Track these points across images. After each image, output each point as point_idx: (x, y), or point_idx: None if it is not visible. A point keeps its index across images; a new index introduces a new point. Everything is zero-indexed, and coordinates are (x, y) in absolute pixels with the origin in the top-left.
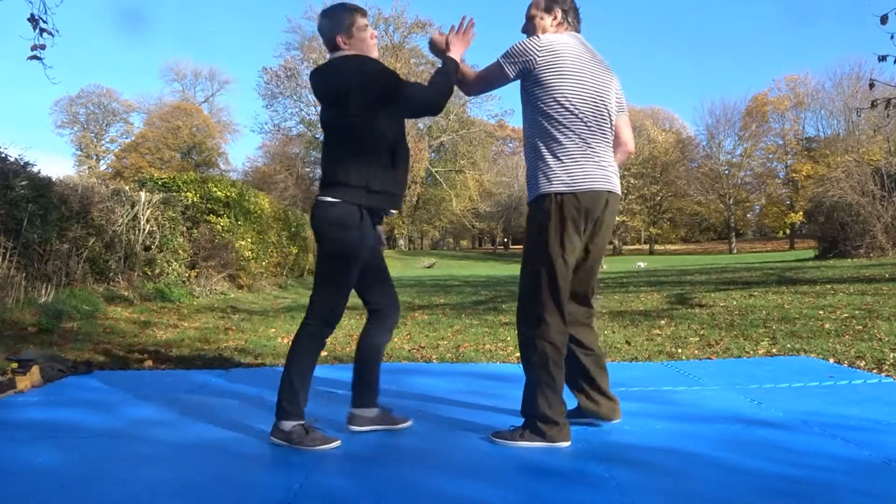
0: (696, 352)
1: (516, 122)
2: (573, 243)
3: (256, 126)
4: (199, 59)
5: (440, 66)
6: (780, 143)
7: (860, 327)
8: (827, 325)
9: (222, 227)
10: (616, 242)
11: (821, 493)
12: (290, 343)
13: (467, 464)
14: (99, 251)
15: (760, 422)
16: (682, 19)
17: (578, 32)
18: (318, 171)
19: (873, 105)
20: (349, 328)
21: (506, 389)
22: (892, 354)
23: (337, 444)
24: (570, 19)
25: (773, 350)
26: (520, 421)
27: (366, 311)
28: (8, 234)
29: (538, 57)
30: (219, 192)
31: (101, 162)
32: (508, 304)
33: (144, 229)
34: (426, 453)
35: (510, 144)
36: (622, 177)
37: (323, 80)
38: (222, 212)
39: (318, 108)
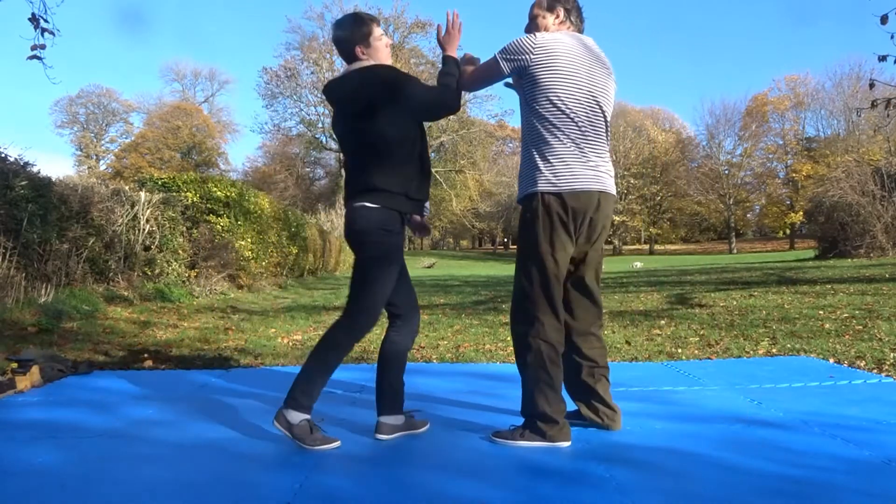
0: (696, 352)
1: (516, 122)
2: (562, 242)
3: (256, 126)
4: (199, 59)
5: (442, 67)
6: (780, 143)
7: (860, 327)
8: (827, 325)
9: (222, 227)
10: (616, 242)
11: (821, 493)
12: (321, 338)
13: (467, 464)
14: (99, 251)
15: (760, 422)
16: (682, 19)
17: (581, 31)
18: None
19: (873, 105)
20: None
21: (506, 389)
22: (892, 354)
23: (337, 444)
24: (572, 18)
25: (773, 350)
26: (520, 420)
27: (385, 317)
28: (8, 234)
29: (532, 55)
30: (219, 192)
31: (101, 162)
32: (508, 304)
33: (144, 229)
34: (426, 453)
35: (510, 144)
36: (622, 177)
37: (349, 90)
38: (222, 212)
39: (319, 110)
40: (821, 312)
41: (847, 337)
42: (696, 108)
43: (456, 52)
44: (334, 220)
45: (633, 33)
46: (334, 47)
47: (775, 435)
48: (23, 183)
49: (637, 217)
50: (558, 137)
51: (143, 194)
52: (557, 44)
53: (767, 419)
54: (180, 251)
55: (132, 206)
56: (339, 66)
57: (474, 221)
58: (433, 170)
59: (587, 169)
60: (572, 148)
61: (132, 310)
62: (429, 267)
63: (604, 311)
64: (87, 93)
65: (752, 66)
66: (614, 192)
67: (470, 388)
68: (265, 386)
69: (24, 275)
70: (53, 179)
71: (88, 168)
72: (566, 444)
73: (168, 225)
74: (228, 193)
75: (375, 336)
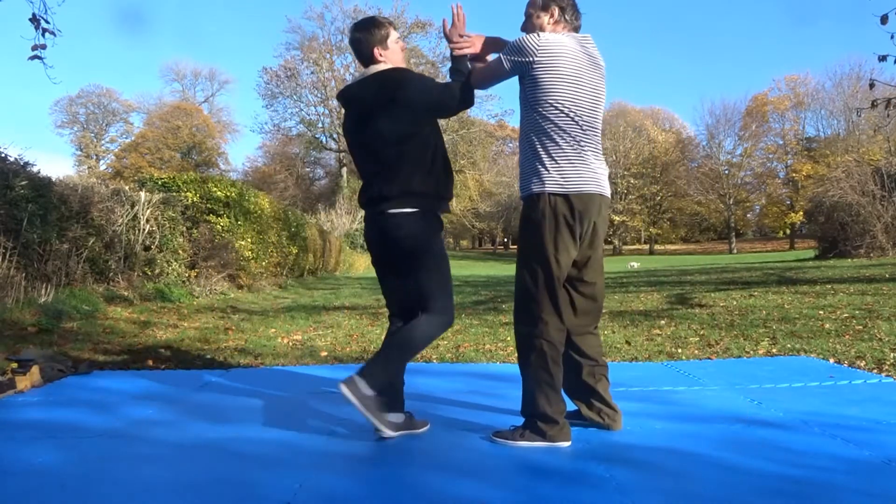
0: (696, 352)
1: (516, 121)
2: (566, 244)
3: (256, 126)
4: (199, 59)
5: (452, 63)
6: (780, 143)
7: (860, 327)
8: (827, 325)
9: (222, 227)
10: (616, 242)
11: (821, 493)
12: (409, 334)
13: (467, 464)
14: (99, 251)
15: (760, 422)
16: (682, 19)
17: (578, 29)
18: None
19: (873, 105)
20: (349, 328)
21: (506, 389)
22: (892, 354)
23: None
24: (567, 16)
25: (773, 350)
26: (520, 421)
27: (369, 312)
28: (8, 234)
29: (536, 56)
30: (219, 192)
31: (101, 162)
32: (508, 304)
33: (144, 229)
34: (426, 453)
35: (510, 144)
36: (622, 177)
37: (371, 93)
38: (222, 212)
39: (319, 110)
40: (821, 312)
41: (847, 337)
42: (696, 108)
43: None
44: (334, 220)
45: (633, 33)
46: (350, 48)
47: (775, 435)
48: (23, 183)
49: (637, 217)
50: (564, 138)
51: (143, 194)
52: (561, 46)
53: (767, 419)
54: (180, 251)
55: (132, 206)
56: (339, 67)
57: (474, 221)
58: None
59: (589, 171)
60: (577, 149)
61: (132, 310)
62: None
63: (604, 311)
64: (87, 93)
65: (752, 66)
66: (609, 193)
67: (470, 388)
68: (265, 386)
69: (24, 275)
70: (53, 179)
71: (88, 168)
72: (566, 444)
73: (168, 225)
74: (228, 193)
75: (376, 336)
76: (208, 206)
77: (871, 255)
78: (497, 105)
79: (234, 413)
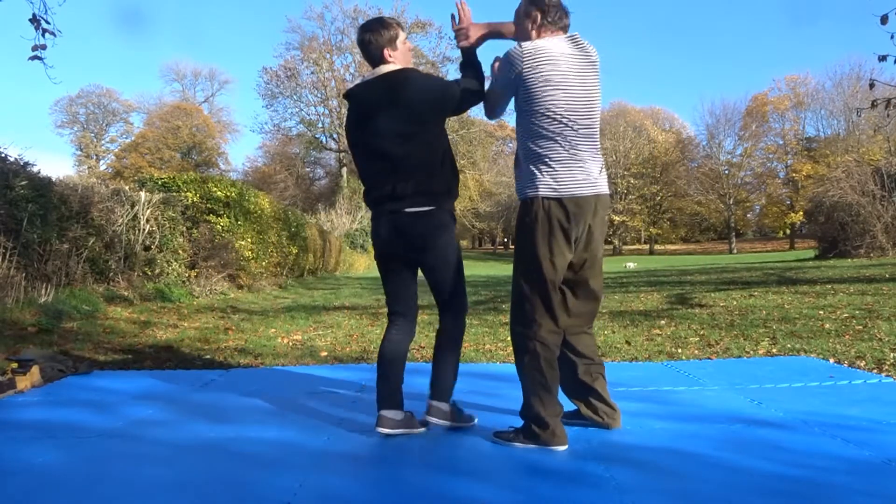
0: (696, 352)
1: None
2: (560, 247)
3: (256, 126)
4: (199, 59)
5: (463, 58)
6: (780, 143)
7: (860, 327)
8: (827, 325)
9: (222, 227)
10: (616, 242)
11: (821, 493)
12: (446, 337)
13: (467, 464)
14: (99, 251)
15: (760, 422)
16: (682, 19)
17: (567, 28)
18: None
19: (873, 105)
20: (349, 328)
21: (506, 389)
22: (892, 354)
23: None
24: (550, 19)
25: (773, 350)
26: (519, 421)
27: (387, 315)
28: (8, 234)
29: (522, 67)
30: (219, 192)
31: (101, 162)
32: (508, 304)
33: (144, 229)
34: (426, 453)
35: (510, 144)
36: (622, 177)
37: (383, 94)
38: (222, 212)
39: (319, 110)
40: (821, 312)
41: (847, 337)
42: (696, 108)
43: (478, 34)
44: (334, 220)
45: (634, 33)
46: (359, 48)
47: (775, 435)
48: (23, 183)
49: (637, 217)
50: (558, 143)
51: (143, 194)
52: (544, 52)
53: (767, 419)
54: (180, 251)
55: (132, 206)
56: (339, 67)
57: (474, 221)
58: None
59: (585, 174)
60: (572, 153)
61: (132, 310)
62: None
63: (604, 311)
64: (87, 93)
65: (752, 66)
66: (607, 192)
67: (470, 388)
68: (265, 386)
69: (24, 275)
70: (53, 179)
71: (88, 168)
72: (561, 448)
73: (168, 225)
74: (228, 193)
75: (376, 336)
76: (208, 206)
77: (871, 255)
78: None
79: (234, 413)
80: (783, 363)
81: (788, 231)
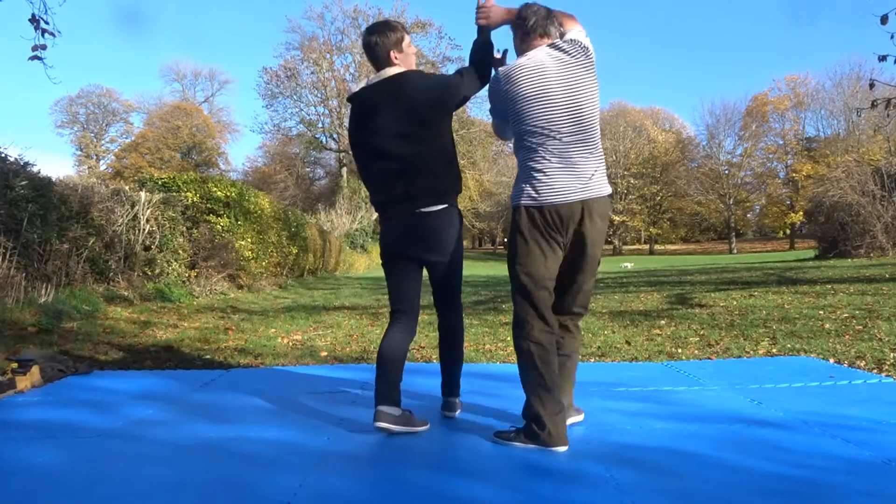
0: (696, 352)
1: None
2: (543, 252)
3: (256, 126)
4: (199, 59)
5: (477, 38)
6: (780, 143)
7: (860, 327)
8: (827, 325)
9: (222, 227)
10: (616, 242)
11: (821, 493)
12: (452, 336)
13: (467, 464)
14: (99, 251)
15: (760, 422)
16: (682, 19)
17: (548, 34)
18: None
19: (873, 105)
20: (349, 328)
21: (506, 389)
22: (892, 354)
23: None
24: (532, 28)
25: (773, 350)
26: (521, 421)
27: (389, 313)
28: (8, 234)
29: (501, 88)
30: (219, 192)
31: (101, 162)
32: (508, 304)
33: (144, 229)
34: (426, 453)
35: (510, 144)
36: (622, 177)
37: (394, 95)
38: (222, 212)
39: (319, 110)
40: (821, 312)
41: (847, 337)
42: (696, 108)
43: (498, 18)
44: (334, 220)
45: (634, 33)
46: (364, 51)
47: (775, 435)
48: (23, 183)
49: (637, 217)
50: (541, 153)
51: (143, 194)
52: (521, 70)
53: (767, 419)
54: (180, 251)
55: (132, 206)
56: (339, 67)
57: (474, 221)
58: None
59: (573, 180)
60: (557, 162)
61: (132, 310)
62: None
63: (604, 311)
64: (87, 93)
65: (752, 66)
66: (604, 193)
67: (470, 388)
68: (265, 386)
69: (24, 275)
70: (53, 179)
71: (88, 168)
72: (561, 448)
73: (168, 225)
74: (228, 193)
75: (375, 336)
76: (208, 206)
77: (871, 255)
78: None
79: (234, 413)
80: (783, 363)
81: (788, 231)
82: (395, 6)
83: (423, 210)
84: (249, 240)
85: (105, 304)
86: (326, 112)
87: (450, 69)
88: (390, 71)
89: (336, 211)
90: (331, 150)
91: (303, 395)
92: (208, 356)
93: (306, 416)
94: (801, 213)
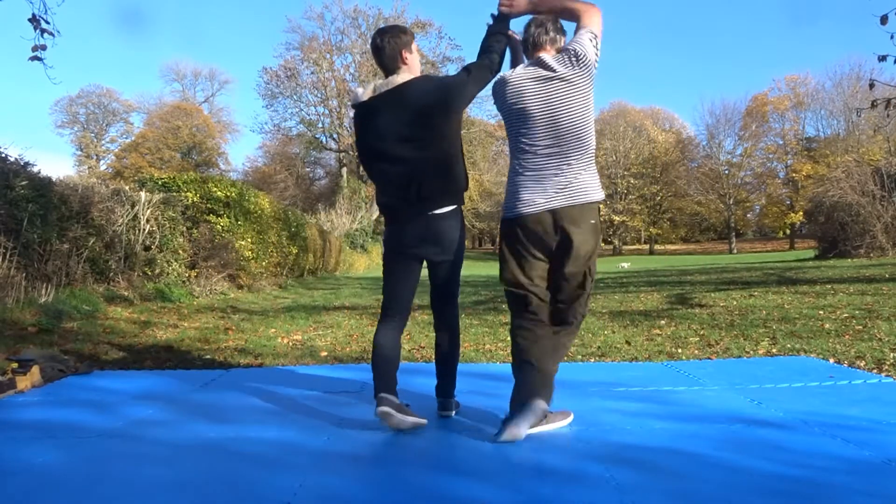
0: (696, 352)
1: None
2: (517, 260)
3: (256, 126)
4: (199, 59)
5: (493, 26)
6: (780, 143)
7: (860, 327)
8: (827, 325)
9: (222, 227)
10: (616, 242)
11: (821, 493)
12: (453, 335)
13: (467, 464)
14: (99, 251)
15: (760, 422)
16: (682, 19)
17: (540, 46)
18: (319, 171)
19: (873, 105)
20: (349, 328)
21: (506, 389)
22: (892, 354)
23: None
24: (531, 42)
25: (773, 350)
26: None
27: (384, 311)
28: (8, 234)
29: (496, 103)
30: (219, 192)
31: (101, 162)
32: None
33: (144, 229)
34: (426, 453)
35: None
36: (622, 177)
37: (397, 102)
38: (222, 212)
39: (319, 110)
40: (821, 312)
41: (847, 337)
42: (696, 108)
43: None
44: (334, 220)
45: (633, 33)
46: (374, 53)
47: (775, 435)
48: (23, 183)
49: (637, 217)
50: (517, 167)
51: (143, 194)
52: (504, 87)
53: (767, 419)
54: (180, 251)
55: (132, 206)
56: (339, 67)
57: (474, 221)
58: None
59: (539, 192)
60: (528, 174)
61: (132, 310)
62: None
63: (604, 311)
64: (87, 93)
65: (752, 66)
66: (582, 200)
67: (470, 388)
68: (265, 386)
69: (24, 275)
70: (54, 179)
71: (89, 168)
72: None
73: (168, 225)
74: (228, 193)
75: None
76: (208, 206)
77: (871, 255)
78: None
79: (234, 413)
80: (783, 363)
81: (788, 231)
82: (395, 6)
83: (436, 212)
84: (249, 240)
85: (105, 304)
86: (326, 112)
87: (450, 69)
88: (398, 79)
89: (336, 211)
90: (331, 150)
91: (303, 395)
92: (208, 356)
93: (306, 416)
94: (801, 213)
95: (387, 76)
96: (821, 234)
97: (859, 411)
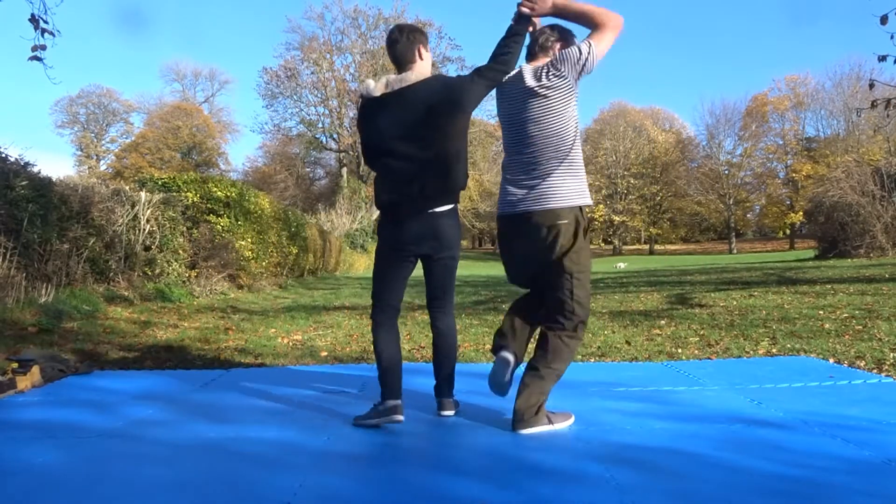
0: (696, 352)
1: None
2: (506, 258)
3: (256, 126)
4: (199, 59)
5: (511, 24)
6: (780, 143)
7: (860, 327)
8: (827, 325)
9: (222, 227)
10: (616, 242)
11: (821, 493)
12: (451, 338)
13: (467, 464)
14: (99, 251)
15: (760, 422)
16: (682, 19)
17: (533, 53)
18: (319, 171)
19: (873, 105)
20: (349, 328)
21: None
22: (892, 354)
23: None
24: (527, 50)
25: (773, 350)
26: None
27: (378, 307)
28: (8, 234)
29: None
30: (219, 192)
31: (102, 162)
32: (508, 304)
33: (144, 229)
34: (426, 453)
35: None
36: (622, 177)
37: (414, 100)
38: (222, 212)
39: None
40: (821, 312)
41: (847, 337)
42: (696, 108)
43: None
44: (334, 220)
45: (633, 33)
46: (391, 49)
47: (775, 435)
48: (23, 183)
49: (637, 217)
50: (503, 169)
51: (143, 194)
52: (498, 93)
53: (767, 419)
54: (180, 251)
55: (132, 206)
56: (339, 67)
57: (474, 221)
58: None
59: (512, 192)
60: (507, 177)
61: (132, 310)
62: None
63: (604, 311)
64: (88, 93)
65: (752, 66)
66: (548, 206)
67: (470, 388)
68: (265, 386)
69: (24, 275)
70: (54, 179)
71: (89, 168)
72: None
73: (168, 225)
74: (228, 193)
75: None
76: (208, 206)
77: (871, 255)
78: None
79: (234, 413)
80: (783, 363)
81: (788, 231)
82: (395, 6)
83: (436, 210)
84: (249, 240)
85: (105, 304)
86: (326, 112)
87: (450, 69)
88: (411, 76)
89: (336, 211)
90: (331, 150)
91: (303, 395)
92: (208, 356)
93: (306, 416)
94: (801, 213)
95: (399, 70)
96: (821, 235)
97: (859, 411)
